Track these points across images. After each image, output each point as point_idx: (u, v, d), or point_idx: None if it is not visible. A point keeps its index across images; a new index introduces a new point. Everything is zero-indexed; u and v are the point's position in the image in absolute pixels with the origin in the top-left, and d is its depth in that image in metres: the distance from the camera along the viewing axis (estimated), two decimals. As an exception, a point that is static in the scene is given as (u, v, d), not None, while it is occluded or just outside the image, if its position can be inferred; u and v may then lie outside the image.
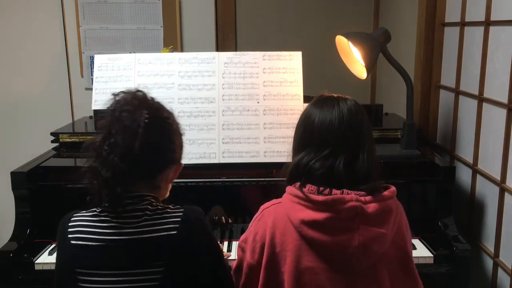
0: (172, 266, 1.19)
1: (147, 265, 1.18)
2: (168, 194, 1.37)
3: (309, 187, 1.23)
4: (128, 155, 1.17)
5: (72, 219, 1.24)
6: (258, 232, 1.27)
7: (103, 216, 1.22)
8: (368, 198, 1.21)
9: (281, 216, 1.25)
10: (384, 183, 1.28)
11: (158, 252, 1.19)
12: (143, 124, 1.19)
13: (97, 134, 1.23)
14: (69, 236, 1.21)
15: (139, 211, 1.21)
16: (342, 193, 1.21)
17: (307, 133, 1.29)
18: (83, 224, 1.22)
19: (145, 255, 1.19)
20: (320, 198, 1.20)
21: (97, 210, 1.23)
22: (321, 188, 1.22)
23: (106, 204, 1.21)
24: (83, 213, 1.25)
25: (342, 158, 1.23)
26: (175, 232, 1.19)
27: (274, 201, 1.32)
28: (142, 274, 1.18)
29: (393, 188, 1.27)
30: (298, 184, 1.25)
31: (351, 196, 1.20)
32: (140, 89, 1.28)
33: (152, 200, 1.24)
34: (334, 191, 1.21)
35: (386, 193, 1.24)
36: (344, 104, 1.28)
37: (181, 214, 1.23)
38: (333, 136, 1.25)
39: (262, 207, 1.33)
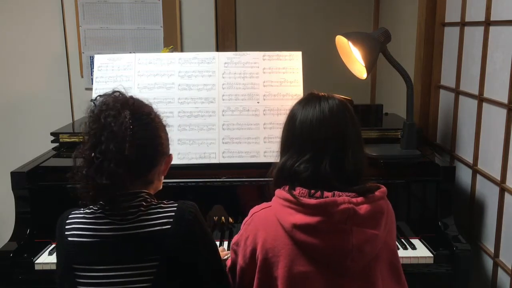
0: (167, 260, 1.20)
1: (142, 260, 1.20)
2: (161, 185, 1.38)
3: (299, 190, 1.21)
4: (122, 159, 1.18)
5: (70, 216, 1.27)
6: (249, 237, 1.27)
7: (99, 213, 1.24)
8: (359, 199, 1.20)
9: (272, 221, 1.24)
10: (374, 183, 1.27)
11: (153, 247, 1.20)
12: (129, 126, 1.20)
13: (84, 141, 1.24)
14: (66, 233, 1.24)
15: (133, 208, 1.23)
16: (334, 195, 1.19)
17: (290, 134, 1.28)
18: (79, 221, 1.25)
19: (140, 250, 1.20)
20: (312, 201, 1.18)
21: (94, 208, 1.25)
22: (312, 191, 1.20)
23: (102, 203, 1.23)
24: (80, 210, 1.28)
25: (327, 159, 1.21)
26: (169, 226, 1.21)
27: (263, 204, 1.31)
28: (138, 268, 1.20)
29: (383, 189, 1.26)
30: (287, 187, 1.24)
31: (343, 199, 1.18)
32: (117, 89, 1.29)
33: (146, 196, 1.26)
34: (326, 193, 1.19)
35: (377, 193, 1.23)
36: (326, 103, 1.25)
37: (175, 208, 1.24)
38: (314, 137, 1.23)
39: (252, 210, 1.32)
